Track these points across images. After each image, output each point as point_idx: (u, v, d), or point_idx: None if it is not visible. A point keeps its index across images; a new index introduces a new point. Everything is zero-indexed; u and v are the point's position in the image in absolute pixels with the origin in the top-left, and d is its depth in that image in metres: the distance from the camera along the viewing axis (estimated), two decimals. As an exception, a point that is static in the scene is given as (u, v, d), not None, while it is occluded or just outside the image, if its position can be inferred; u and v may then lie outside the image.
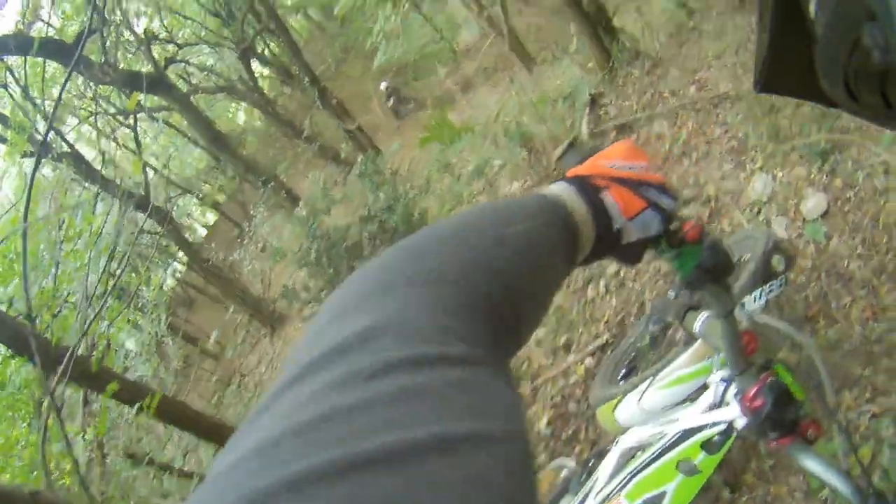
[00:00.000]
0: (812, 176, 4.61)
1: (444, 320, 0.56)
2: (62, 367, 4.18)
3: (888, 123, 0.54)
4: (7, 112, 11.38)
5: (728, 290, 1.36)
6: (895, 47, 0.43)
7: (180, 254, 16.61)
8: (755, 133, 5.37)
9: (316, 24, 32.66)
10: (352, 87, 20.19)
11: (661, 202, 1.03)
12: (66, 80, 5.20)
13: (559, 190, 0.95)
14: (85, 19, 11.92)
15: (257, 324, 14.33)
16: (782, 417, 1.50)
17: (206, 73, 20.81)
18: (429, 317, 0.55)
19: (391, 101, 18.31)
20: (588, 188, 0.96)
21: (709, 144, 5.78)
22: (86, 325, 4.92)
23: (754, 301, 2.80)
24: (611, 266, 5.31)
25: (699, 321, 1.63)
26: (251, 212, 12.95)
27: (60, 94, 5.28)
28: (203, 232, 34.80)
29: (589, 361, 4.73)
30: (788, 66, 0.62)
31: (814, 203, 4.27)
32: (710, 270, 1.21)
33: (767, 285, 2.84)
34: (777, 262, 2.88)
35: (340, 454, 0.37)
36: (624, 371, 3.52)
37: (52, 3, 12.13)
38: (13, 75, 11.02)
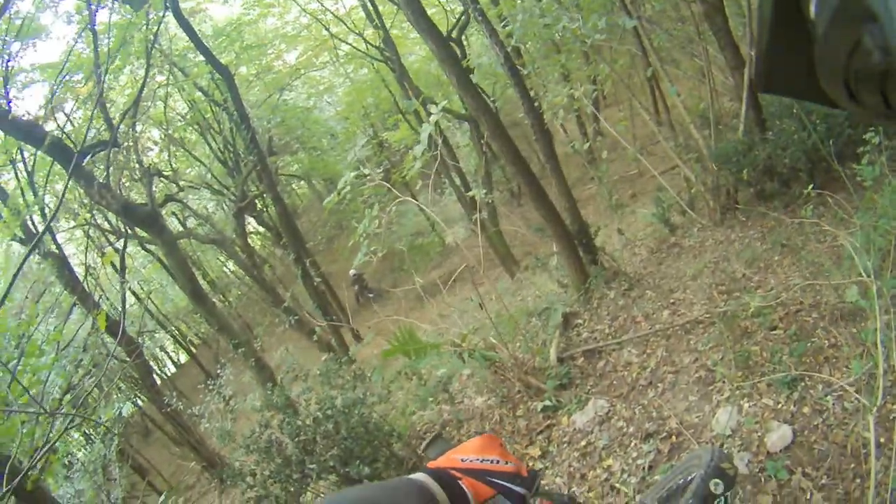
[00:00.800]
0: (779, 406, 4.57)
1: None
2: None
3: (888, 123, 0.57)
4: (9, 189, 11.52)
5: None
6: (895, 48, 0.44)
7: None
8: (724, 362, 5.37)
9: (318, 192, 33.58)
10: (341, 264, 20.55)
11: (512, 490, 1.21)
12: (65, 188, 5.24)
13: (421, 478, 1.11)
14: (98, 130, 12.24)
15: (208, 476, 13.90)
16: None
17: (201, 221, 21.14)
18: None
19: (356, 288, 19.06)
20: (445, 478, 1.14)
21: (676, 374, 5.76)
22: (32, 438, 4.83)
23: None
24: (563, 489, 5.17)
25: None
26: (218, 369, 12.73)
27: (61, 199, 5.32)
28: (172, 369, 34.38)
29: None
30: (788, 66, 0.64)
31: (778, 436, 4.22)
32: None
33: None
34: (714, 486, 2.69)
35: None
36: None
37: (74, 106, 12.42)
38: (23, 157, 11.15)
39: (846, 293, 4.83)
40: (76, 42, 12.17)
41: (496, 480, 1.21)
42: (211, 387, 11.15)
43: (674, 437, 4.99)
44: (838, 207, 6.33)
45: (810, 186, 6.14)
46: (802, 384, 4.65)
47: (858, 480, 3.67)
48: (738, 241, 7.80)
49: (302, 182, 30.75)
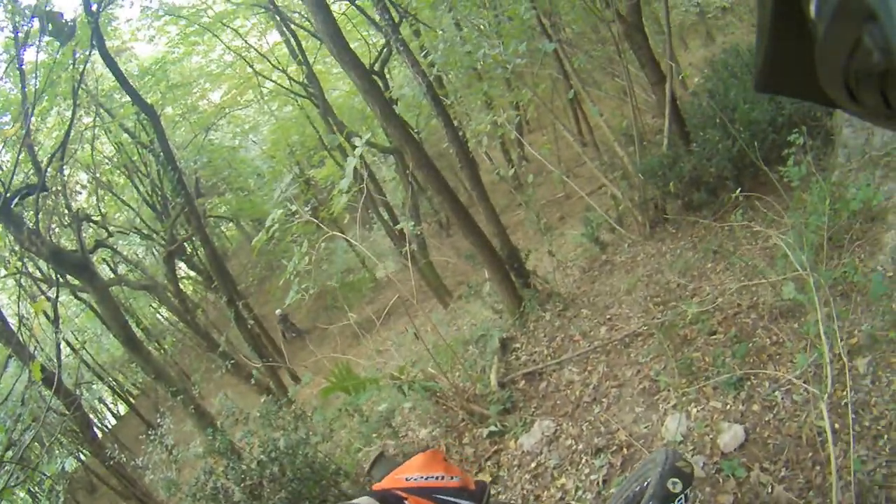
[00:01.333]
0: (728, 407, 4.56)
1: None
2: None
3: (888, 124, 0.54)
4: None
5: None
6: (895, 48, 0.43)
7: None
8: (667, 371, 5.34)
9: (247, 233, 33.19)
10: (273, 305, 20.28)
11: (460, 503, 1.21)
12: None
13: (366, 501, 1.12)
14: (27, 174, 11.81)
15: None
16: None
17: (131, 267, 20.84)
18: None
19: (281, 327, 19.42)
20: (390, 499, 1.14)
21: (620, 388, 5.70)
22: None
23: None
24: None
25: None
26: (158, 419, 12.36)
27: None
28: (113, 421, 33.28)
29: None
30: (788, 66, 0.63)
31: (730, 436, 4.19)
32: None
33: None
34: (672, 485, 2.87)
35: None
36: None
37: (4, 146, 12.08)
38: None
39: (783, 290, 4.85)
40: (2, 82, 11.91)
41: (443, 497, 1.19)
42: (152, 437, 10.88)
43: (624, 450, 4.93)
44: (767, 210, 6.38)
45: (738, 191, 6.15)
46: (749, 383, 4.67)
47: (818, 468, 3.67)
48: (669, 253, 7.82)
49: (231, 224, 30.29)
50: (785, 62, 0.64)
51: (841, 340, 4.01)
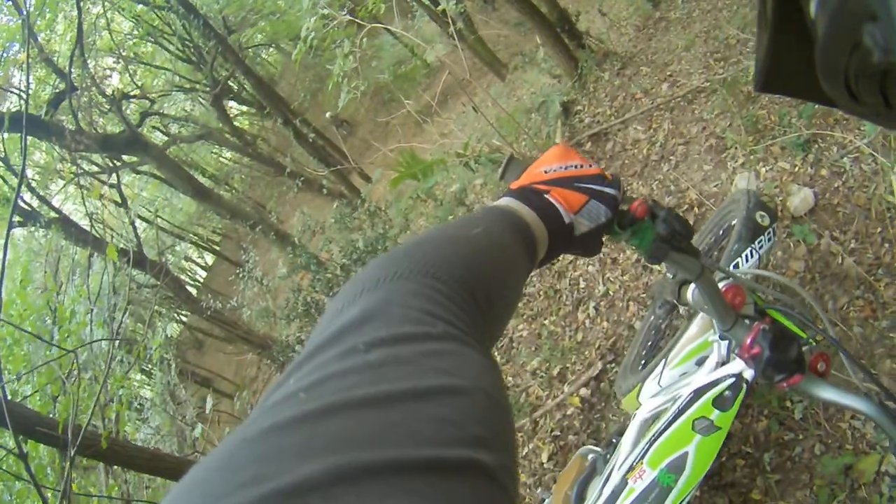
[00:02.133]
0: (797, 169, 4.43)
1: (425, 305, 0.65)
2: (72, 449, 4.16)
3: (888, 124, 0.53)
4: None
5: (693, 253, 1.40)
6: (895, 48, 0.42)
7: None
8: (733, 128, 5.20)
9: (288, 54, 32.42)
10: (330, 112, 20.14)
11: (603, 191, 1.12)
12: (23, 152, 4.91)
13: (506, 202, 1.04)
14: (54, 85, 11.81)
15: (268, 360, 14.06)
16: (785, 358, 1.53)
17: (182, 122, 20.60)
18: (412, 303, 0.65)
19: (335, 128, 19.11)
20: (530, 195, 1.05)
21: (686, 145, 5.60)
22: (93, 402, 5.00)
23: (746, 260, 2.84)
24: (599, 286, 5.12)
25: (690, 292, 1.63)
26: (243, 256, 12.72)
27: (23, 167, 5.02)
28: (203, 274, 34.66)
29: (584, 391, 4.52)
30: (788, 66, 0.63)
31: (800, 199, 4.07)
32: (666, 239, 1.28)
33: (756, 242, 2.88)
34: (761, 217, 2.91)
35: (336, 399, 0.49)
36: (643, 359, 3.52)
37: (23, 72, 12.10)
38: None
39: None
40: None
41: (585, 185, 1.11)
42: (241, 275, 11.18)
43: (696, 209, 4.91)
44: None
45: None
46: (816, 146, 4.45)
47: (887, 245, 3.54)
48: (725, 9, 7.34)
49: (271, 49, 29.37)
50: (785, 62, 0.63)
51: None
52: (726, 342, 1.87)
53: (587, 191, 1.10)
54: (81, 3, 10.96)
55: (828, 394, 1.51)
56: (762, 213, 2.91)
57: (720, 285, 1.64)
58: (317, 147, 15.17)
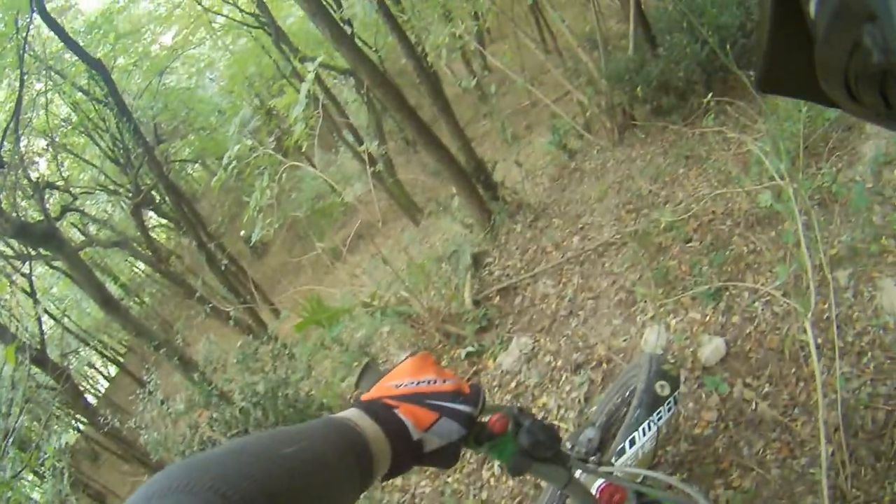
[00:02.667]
0: (708, 319, 4.41)
1: None
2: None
3: (888, 124, 0.53)
4: None
5: (560, 461, 1.33)
6: (895, 48, 0.42)
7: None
8: (643, 281, 5.20)
9: (213, 173, 32.32)
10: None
11: (456, 409, 1.10)
12: None
13: (350, 414, 1.02)
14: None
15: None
16: None
17: (101, 225, 20.28)
18: None
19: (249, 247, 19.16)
20: (378, 409, 1.04)
21: (596, 300, 5.55)
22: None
23: (644, 433, 2.73)
24: None
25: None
26: (145, 376, 12.22)
27: None
28: (105, 384, 33.20)
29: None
30: (788, 66, 0.63)
31: (711, 350, 4.05)
32: (528, 452, 1.24)
33: (656, 414, 2.78)
34: (661, 388, 2.82)
35: None
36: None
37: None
38: None
39: (759, 198, 4.71)
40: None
41: (436, 402, 1.10)
42: (142, 396, 10.77)
43: (604, 364, 4.80)
44: (739, 114, 6.28)
45: (710, 96, 5.91)
46: (727, 294, 4.52)
47: (802, 384, 3.54)
48: (639, 159, 7.60)
49: (197, 165, 29.50)
50: (785, 62, 0.63)
51: (821, 252, 3.79)
52: None
53: (438, 408, 1.09)
54: (25, 77, 10.84)
55: None
56: (662, 382, 2.85)
57: (598, 482, 1.71)
58: (228, 276, 14.88)
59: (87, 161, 19.67)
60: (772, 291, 4.02)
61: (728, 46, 6.87)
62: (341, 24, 6.83)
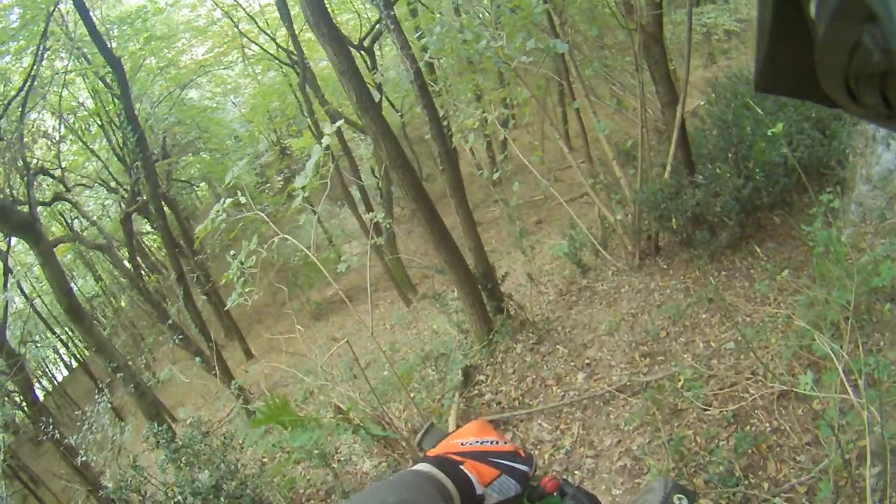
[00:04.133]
0: (722, 511, 3.78)
1: None
2: None
3: (888, 124, 0.51)
4: None
5: None
6: (895, 48, 0.42)
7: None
8: (652, 449, 4.53)
9: (218, 196, 31.87)
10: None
11: (515, 467, 1.14)
12: None
13: (428, 468, 1.05)
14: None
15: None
16: None
17: (89, 224, 19.69)
18: None
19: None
20: (446, 464, 1.08)
21: (596, 459, 4.84)
22: None
23: None
24: None
25: None
26: (96, 396, 11.47)
27: None
28: (64, 374, 32.18)
29: None
30: (788, 66, 0.61)
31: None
32: None
33: None
34: (678, 500, 2.20)
35: None
36: None
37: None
38: None
39: (799, 380, 4.00)
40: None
41: (498, 460, 1.14)
42: (88, 415, 10.14)
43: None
44: (770, 259, 5.94)
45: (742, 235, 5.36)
46: (746, 482, 3.88)
47: None
48: (658, 291, 6.90)
49: (203, 184, 28.89)
50: (785, 62, 0.60)
51: (850, 444, 3.46)
52: None
53: (500, 465, 1.13)
54: (49, 52, 10.27)
55: None
56: (679, 495, 2.43)
57: None
58: (199, 316, 13.94)
59: (93, 151, 18.90)
60: (796, 485, 3.59)
61: (769, 188, 6.40)
62: (370, 89, 6.18)
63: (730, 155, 6.96)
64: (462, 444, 1.16)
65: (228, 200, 5.51)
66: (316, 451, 5.31)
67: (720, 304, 6.04)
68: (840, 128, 6.84)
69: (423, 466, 1.06)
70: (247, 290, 5.52)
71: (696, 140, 7.97)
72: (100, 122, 17.96)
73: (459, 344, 7.41)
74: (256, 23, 16.75)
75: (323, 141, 5.32)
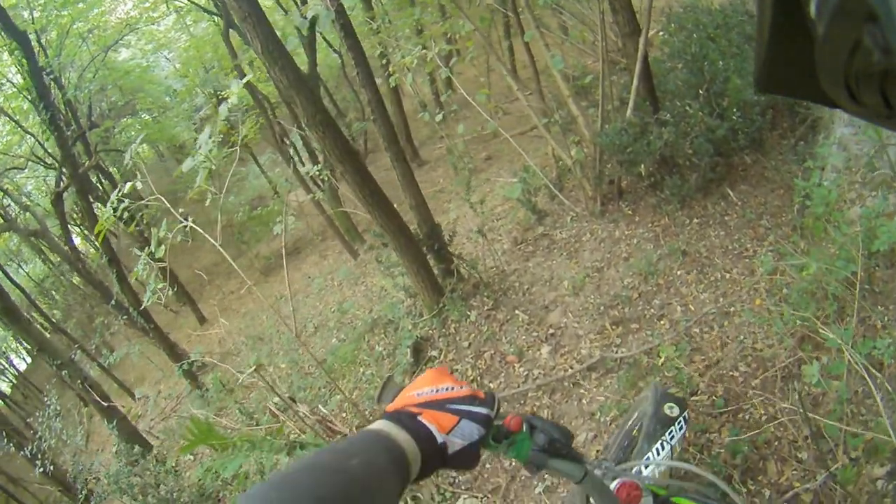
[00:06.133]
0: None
1: None
2: None
3: (888, 124, 0.50)
4: None
5: (574, 458, 1.32)
6: (895, 48, 0.41)
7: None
8: None
9: (161, 155, 30.64)
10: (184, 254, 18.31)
11: (474, 411, 1.12)
12: None
13: (380, 426, 1.05)
14: None
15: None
16: None
17: (20, 210, 18.34)
18: None
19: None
20: (404, 418, 1.07)
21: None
22: None
23: (658, 453, 2.59)
24: None
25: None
26: (45, 397, 10.66)
27: None
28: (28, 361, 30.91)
29: None
30: (788, 66, 0.59)
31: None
32: (544, 449, 1.25)
33: (667, 434, 2.64)
34: (669, 408, 2.68)
35: None
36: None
37: None
38: None
39: (804, 370, 3.35)
40: None
41: (456, 406, 1.12)
42: (40, 419, 9.49)
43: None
44: (743, 205, 5.35)
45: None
46: (745, 490, 3.24)
47: None
48: (624, 241, 6.03)
49: (144, 145, 27.22)
50: (785, 62, 0.58)
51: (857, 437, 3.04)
52: None
53: (458, 412, 1.11)
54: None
55: None
56: (670, 404, 2.70)
57: (614, 484, 1.65)
58: (138, 299, 12.51)
59: (25, 129, 16.92)
60: (800, 493, 3.08)
61: (746, 129, 5.62)
62: (277, 36, 5.03)
63: (701, 91, 6.04)
64: (418, 394, 1.13)
65: (128, 185, 4.56)
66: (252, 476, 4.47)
67: (695, 257, 5.26)
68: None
69: (378, 424, 1.05)
70: (159, 286, 4.65)
71: (659, 74, 7.00)
72: (30, 98, 16.28)
73: (408, 310, 6.52)
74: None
75: (220, 109, 4.42)
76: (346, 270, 10.30)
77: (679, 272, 5.22)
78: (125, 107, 20.08)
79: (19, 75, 15.40)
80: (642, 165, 5.92)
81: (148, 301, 4.79)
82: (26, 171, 18.54)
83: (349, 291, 9.67)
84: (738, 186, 5.84)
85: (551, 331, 5.27)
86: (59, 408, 10.62)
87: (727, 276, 4.89)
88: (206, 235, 4.63)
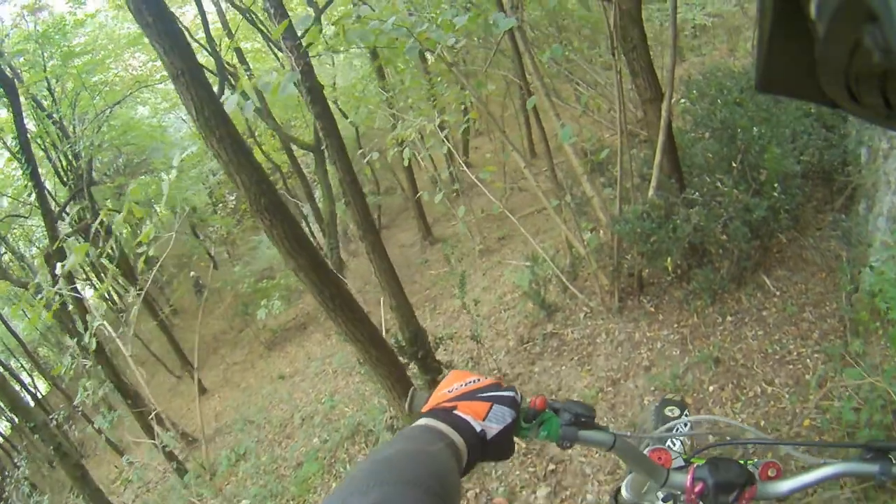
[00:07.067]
0: None
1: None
2: None
3: (889, 125, 0.50)
4: None
5: (599, 428, 1.29)
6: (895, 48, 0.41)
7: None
8: None
9: (165, 216, 30.40)
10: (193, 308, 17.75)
11: (502, 395, 1.13)
12: None
13: (425, 422, 1.04)
14: None
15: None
16: (728, 478, 1.43)
17: (17, 260, 17.88)
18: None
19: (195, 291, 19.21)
20: (441, 414, 1.07)
21: None
22: None
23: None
24: None
25: (623, 485, 1.59)
26: (16, 460, 9.75)
27: None
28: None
29: None
30: (788, 66, 0.58)
31: None
32: (573, 422, 1.25)
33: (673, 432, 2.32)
34: (670, 411, 2.44)
35: None
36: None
37: None
38: None
39: None
40: None
41: (486, 394, 1.12)
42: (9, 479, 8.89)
43: None
44: (782, 296, 4.60)
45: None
46: None
47: None
48: (645, 345, 5.01)
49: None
50: (785, 62, 0.57)
51: None
52: (670, 499, 1.64)
53: (489, 398, 1.12)
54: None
55: (789, 485, 1.42)
56: (670, 407, 2.45)
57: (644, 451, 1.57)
58: (123, 383, 11.40)
59: (35, 177, 16.57)
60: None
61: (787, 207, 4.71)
62: (218, 101, 4.08)
63: (733, 164, 5.04)
64: (448, 391, 1.13)
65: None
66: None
67: (730, 365, 4.24)
68: (848, 124, 5.40)
69: (422, 421, 1.04)
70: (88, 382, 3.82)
71: (684, 146, 5.99)
72: (43, 147, 15.77)
73: (389, 424, 5.50)
74: (192, 36, 14.49)
75: (171, 171, 4.21)
76: (342, 357, 9.37)
77: (711, 387, 4.22)
78: (140, 164, 19.47)
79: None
80: (669, 259, 4.88)
81: (80, 399, 4.00)
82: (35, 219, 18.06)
83: (342, 382, 8.74)
84: (775, 272, 4.93)
85: (551, 466, 4.21)
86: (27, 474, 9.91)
87: (769, 389, 3.96)
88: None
